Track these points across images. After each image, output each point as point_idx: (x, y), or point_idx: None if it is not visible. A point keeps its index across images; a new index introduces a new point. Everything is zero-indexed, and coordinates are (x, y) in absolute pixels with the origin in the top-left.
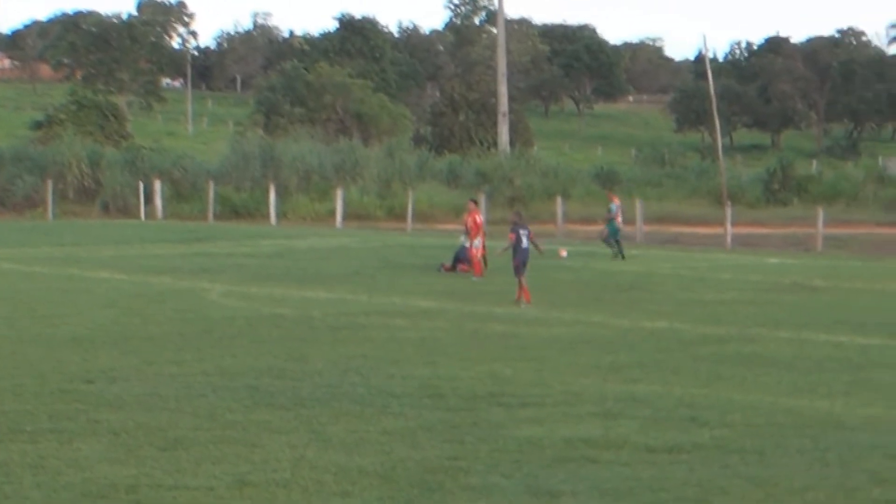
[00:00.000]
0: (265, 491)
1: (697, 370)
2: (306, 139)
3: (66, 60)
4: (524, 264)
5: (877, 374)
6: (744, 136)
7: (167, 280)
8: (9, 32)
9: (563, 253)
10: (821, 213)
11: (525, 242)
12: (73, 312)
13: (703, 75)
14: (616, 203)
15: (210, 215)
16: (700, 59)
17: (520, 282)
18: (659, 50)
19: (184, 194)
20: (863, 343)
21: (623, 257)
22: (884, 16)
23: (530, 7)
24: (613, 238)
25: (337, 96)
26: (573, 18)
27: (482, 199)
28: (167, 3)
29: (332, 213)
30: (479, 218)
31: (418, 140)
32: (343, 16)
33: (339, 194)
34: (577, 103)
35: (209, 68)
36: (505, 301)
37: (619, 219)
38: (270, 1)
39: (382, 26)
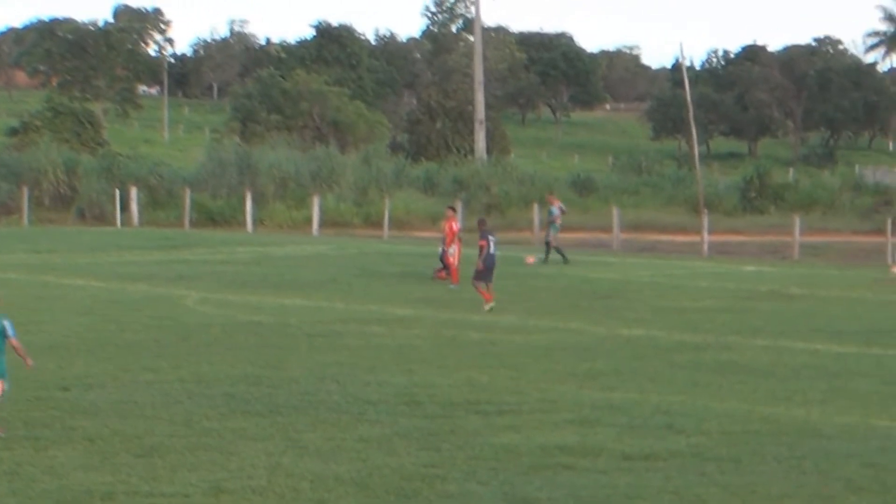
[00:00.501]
0: (241, 498)
1: (674, 378)
2: (283, 146)
3: (41, 67)
4: (491, 270)
5: (853, 383)
6: (721, 144)
7: (143, 287)
8: None
9: (531, 259)
10: (797, 222)
11: (493, 248)
12: (48, 319)
13: (680, 83)
14: (557, 206)
15: (186, 222)
16: (677, 67)
17: (477, 287)
18: (636, 58)
19: (160, 201)
20: (839, 351)
21: (545, 262)
22: (861, 24)
23: (507, 15)
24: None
25: (313, 104)
26: (550, 26)
27: (459, 206)
28: (143, 10)
29: (309, 220)
30: (456, 225)
31: (395, 147)
32: (320, 23)
33: (315, 201)
34: (553, 111)
35: (186, 75)
36: (482, 309)
37: (559, 222)
38: (247, 8)
39: (359, 34)
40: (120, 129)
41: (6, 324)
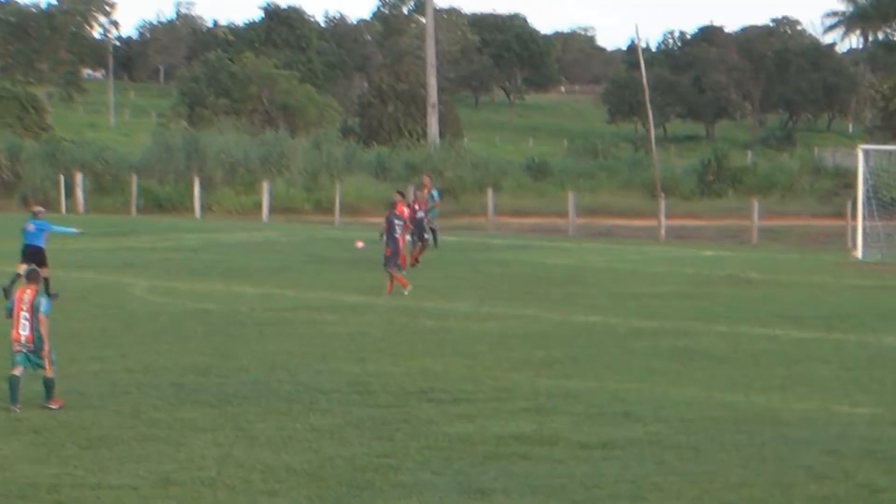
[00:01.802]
0: (190, 490)
1: (631, 365)
2: (231, 131)
3: None
4: (396, 253)
5: (813, 369)
6: (678, 126)
7: (90, 275)
8: None
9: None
10: (756, 205)
11: (398, 232)
12: None
13: (636, 65)
14: (435, 190)
15: (133, 209)
16: (633, 48)
17: (390, 274)
18: (591, 40)
19: (106, 187)
20: (798, 336)
21: (437, 247)
22: (818, 5)
23: None
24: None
25: (262, 87)
26: (503, 8)
27: (411, 191)
28: None
29: (259, 206)
30: (407, 211)
31: (346, 131)
32: (269, 5)
33: (265, 187)
34: (507, 94)
35: (131, 59)
36: (435, 296)
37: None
38: None
39: (309, 16)
40: (64, 113)
41: (43, 300)
